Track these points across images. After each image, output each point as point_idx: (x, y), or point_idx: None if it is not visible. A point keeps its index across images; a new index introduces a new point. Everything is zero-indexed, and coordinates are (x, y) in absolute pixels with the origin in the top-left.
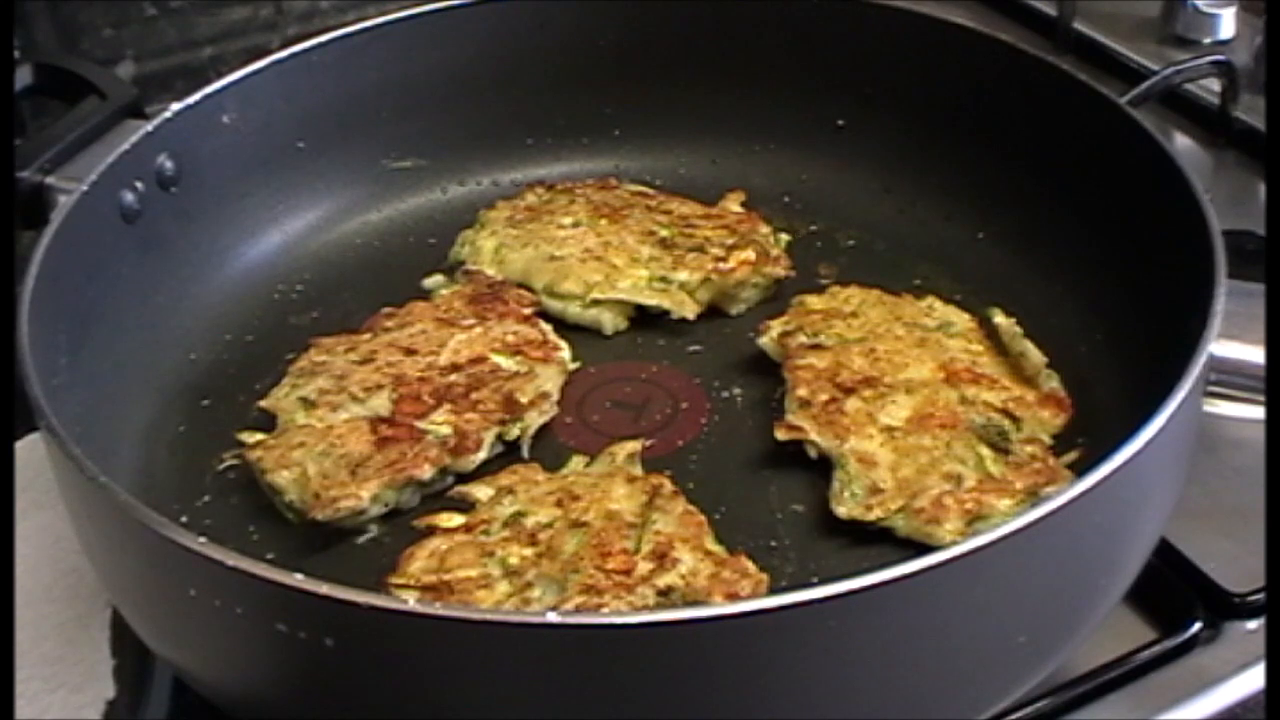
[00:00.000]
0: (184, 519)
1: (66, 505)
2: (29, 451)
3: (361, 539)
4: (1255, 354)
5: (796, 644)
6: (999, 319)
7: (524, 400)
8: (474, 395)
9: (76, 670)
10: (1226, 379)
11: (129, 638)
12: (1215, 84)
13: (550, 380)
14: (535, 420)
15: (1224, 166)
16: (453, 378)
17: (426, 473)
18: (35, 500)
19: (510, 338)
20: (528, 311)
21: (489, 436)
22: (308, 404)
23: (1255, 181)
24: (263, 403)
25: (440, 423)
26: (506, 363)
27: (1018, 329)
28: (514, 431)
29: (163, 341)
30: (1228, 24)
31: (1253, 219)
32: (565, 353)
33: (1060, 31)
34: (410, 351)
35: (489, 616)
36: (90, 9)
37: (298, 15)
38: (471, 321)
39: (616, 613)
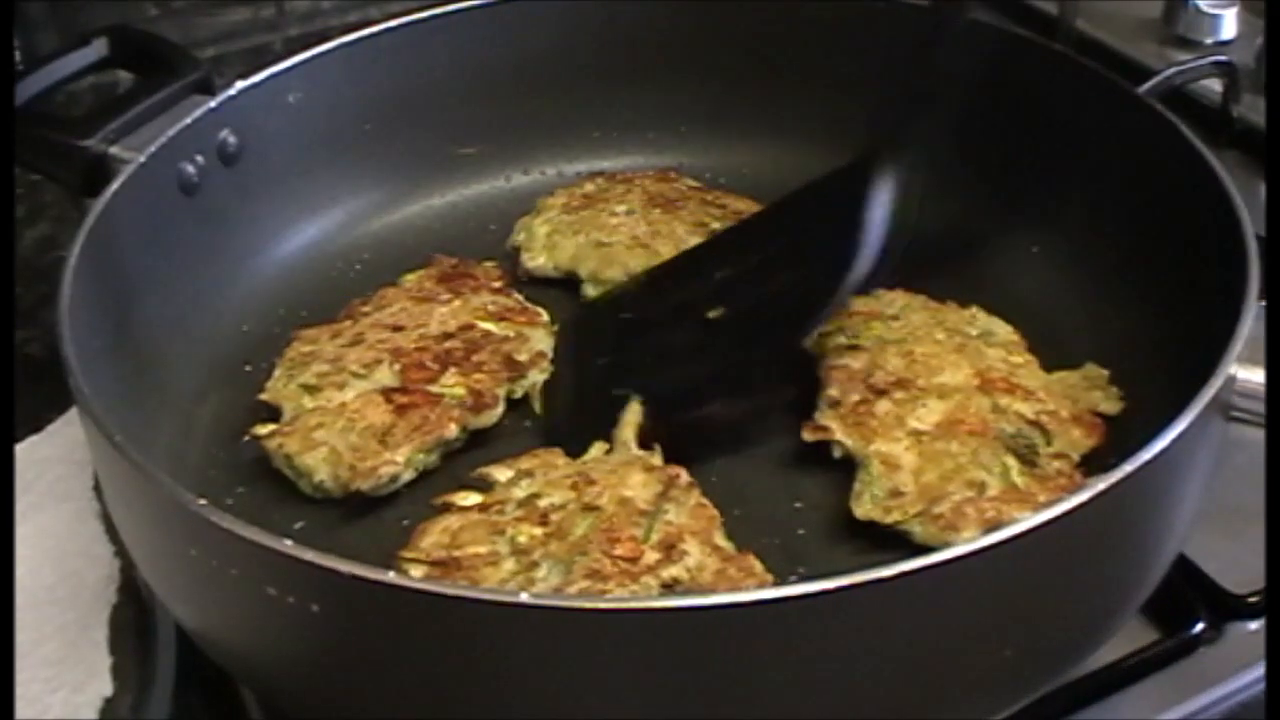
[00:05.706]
0: (221, 487)
1: (94, 463)
2: (30, 453)
3: (391, 512)
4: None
5: (794, 640)
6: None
7: (523, 359)
8: (475, 358)
9: (77, 671)
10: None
11: (129, 638)
12: (1217, 84)
13: (542, 341)
14: (537, 378)
15: (1225, 167)
16: (448, 344)
17: (453, 431)
18: (36, 502)
19: (491, 307)
20: (498, 284)
21: (502, 392)
22: (311, 389)
23: (1256, 182)
24: (263, 395)
25: (452, 385)
26: (495, 328)
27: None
28: (519, 390)
29: (216, 311)
30: (1229, 24)
31: (1254, 220)
32: (545, 316)
33: (1062, 31)
34: (398, 328)
35: (464, 593)
36: (91, 9)
37: (299, 16)
38: (447, 296)
39: (586, 596)
